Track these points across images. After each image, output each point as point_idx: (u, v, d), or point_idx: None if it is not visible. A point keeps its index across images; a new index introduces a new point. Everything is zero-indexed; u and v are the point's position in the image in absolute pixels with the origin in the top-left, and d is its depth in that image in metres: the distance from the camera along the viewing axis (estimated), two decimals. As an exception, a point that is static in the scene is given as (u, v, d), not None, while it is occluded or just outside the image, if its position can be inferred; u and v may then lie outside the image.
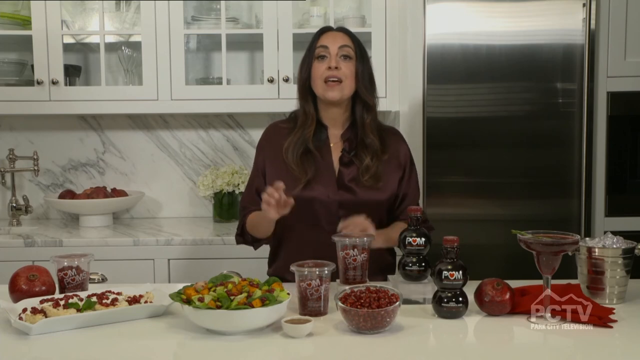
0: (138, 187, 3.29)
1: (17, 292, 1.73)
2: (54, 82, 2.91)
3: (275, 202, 1.84)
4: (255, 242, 2.16)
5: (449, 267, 1.63)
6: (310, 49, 2.10)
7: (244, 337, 1.51)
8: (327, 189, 2.06)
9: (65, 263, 1.79)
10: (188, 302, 1.53)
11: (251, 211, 2.12)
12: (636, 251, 1.75)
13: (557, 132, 2.76)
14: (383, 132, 2.14)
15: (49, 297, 1.68)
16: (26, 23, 2.97)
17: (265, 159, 2.14)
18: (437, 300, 1.65)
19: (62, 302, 1.63)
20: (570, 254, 1.74)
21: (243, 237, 2.16)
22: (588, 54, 2.71)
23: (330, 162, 2.09)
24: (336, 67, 2.03)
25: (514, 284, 1.72)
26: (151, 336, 1.55)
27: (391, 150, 2.12)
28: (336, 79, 2.04)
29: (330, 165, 2.09)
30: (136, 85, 3.05)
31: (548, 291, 1.61)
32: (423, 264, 1.78)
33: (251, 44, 3.16)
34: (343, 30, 2.13)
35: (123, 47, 3.08)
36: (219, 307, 1.50)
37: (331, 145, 2.12)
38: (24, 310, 1.60)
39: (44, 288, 1.75)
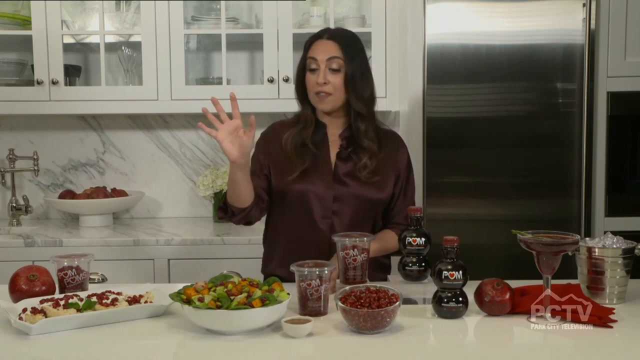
0: (138, 187, 3.29)
1: (17, 292, 1.73)
2: (54, 82, 2.91)
3: (224, 123, 1.85)
4: (236, 216, 2.03)
5: (449, 267, 1.63)
6: (303, 56, 2.09)
7: (244, 337, 1.51)
8: (322, 181, 2.06)
9: (65, 263, 1.79)
10: (188, 302, 1.53)
11: None
12: (636, 251, 1.75)
13: (557, 132, 2.76)
14: (382, 135, 2.12)
15: (49, 297, 1.68)
16: (26, 23, 2.97)
17: (271, 152, 2.11)
18: (437, 300, 1.65)
19: (62, 302, 1.62)
20: (570, 254, 1.74)
21: (224, 209, 2.04)
22: (588, 54, 2.71)
23: (328, 156, 2.10)
24: (324, 83, 2.02)
25: (514, 284, 1.72)
26: (151, 336, 1.55)
27: (388, 153, 2.12)
28: (325, 93, 2.04)
29: (327, 160, 2.09)
30: (136, 85, 3.05)
31: (548, 291, 1.61)
32: (423, 264, 1.79)
33: (251, 44, 3.16)
34: (333, 37, 2.06)
35: (123, 47, 3.08)
36: (219, 307, 1.50)
37: (329, 142, 2.12)
38: (24, 310, 1.60)
39: (44, 288, 1.75)
